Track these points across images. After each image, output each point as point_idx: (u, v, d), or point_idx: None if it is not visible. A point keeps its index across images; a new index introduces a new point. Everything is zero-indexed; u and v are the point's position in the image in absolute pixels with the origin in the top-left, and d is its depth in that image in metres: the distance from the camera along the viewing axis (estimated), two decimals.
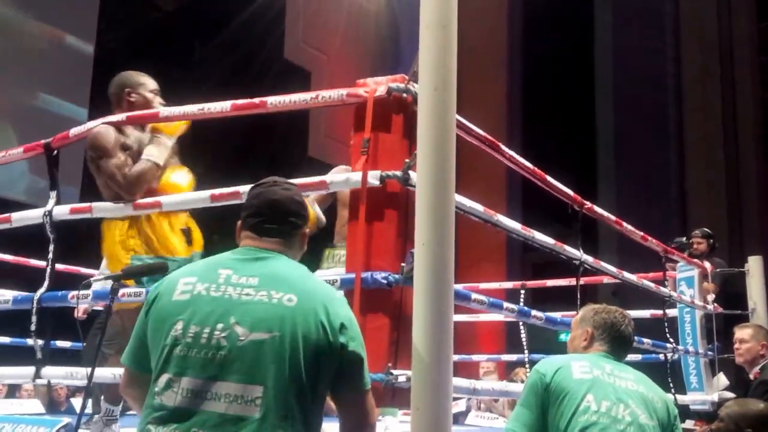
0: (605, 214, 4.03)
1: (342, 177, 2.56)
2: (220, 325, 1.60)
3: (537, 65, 12.35)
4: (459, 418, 5.98)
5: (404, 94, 2.45)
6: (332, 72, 11.11)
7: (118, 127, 3.14)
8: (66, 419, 2.62)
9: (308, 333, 1.62)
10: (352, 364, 1.69)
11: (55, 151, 3.21)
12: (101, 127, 3.10)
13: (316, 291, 1.71)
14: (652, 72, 12.09)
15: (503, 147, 3.02)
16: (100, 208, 3.08)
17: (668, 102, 12.12)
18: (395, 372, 2.28)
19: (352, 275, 2.43)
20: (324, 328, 1.64)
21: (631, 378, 2.33)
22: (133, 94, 3.31)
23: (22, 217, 3.27)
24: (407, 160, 2.38)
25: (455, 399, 5.83)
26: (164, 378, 1.60)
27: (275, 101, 2.73)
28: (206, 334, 1.60)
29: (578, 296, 3.75)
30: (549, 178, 3.39)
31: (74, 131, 3.17)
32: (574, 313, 3.80)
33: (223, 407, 1.55)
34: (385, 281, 2.36)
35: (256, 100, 2.78)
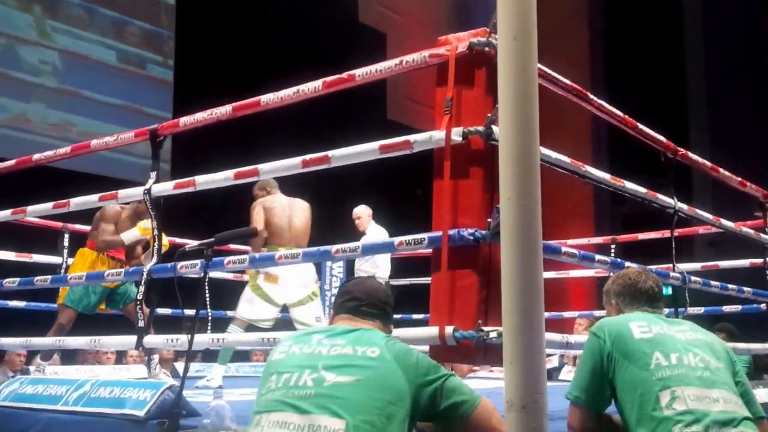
0: (700, 160, 3.86)
1: (425, 135, 2.55)
2: (308, 371, 1.77)
3: (620, 9, 11.86)
4: (552, 373, 5.95)
5: (486, 48, 2.40)
6: (408, 32, 11.00)
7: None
8: (170, 381, 2.73)
9: (389, 376, 1.75)
10: (449, 392, 1.80)
11: (161, 137, 3.41)
12: (112, 206, 4.76)
13: (397, 345, 1.84)
14: (744, 11, 11.42)
15: (591, 95, 2.92)
16: (203, 182, 3.19)
17: (763, 42, 11.44)
18: (486, 329, 2.27)
19: (439, 233, 2.42)
20: (406, 372, 1.76)
21: (687, 328, 2.27)
22: None
23: (126, 195, 3.49)
24: (489, 115, 2.34)
25: (548, 355, 5.80)
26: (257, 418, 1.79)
27: (362, 73, 2.76)
28: (295, 378, 1.77)
29: (673, 248, 3.63)
30: (640, 126, 3.27)
31: (184, 120, 3.33)
32: (669, 266, 3.70)
33: None
34: (472, 238, 2.34)
35: (344, 74, 2.80)
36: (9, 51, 8.40)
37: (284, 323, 4.87)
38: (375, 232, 6.11)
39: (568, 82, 2.73)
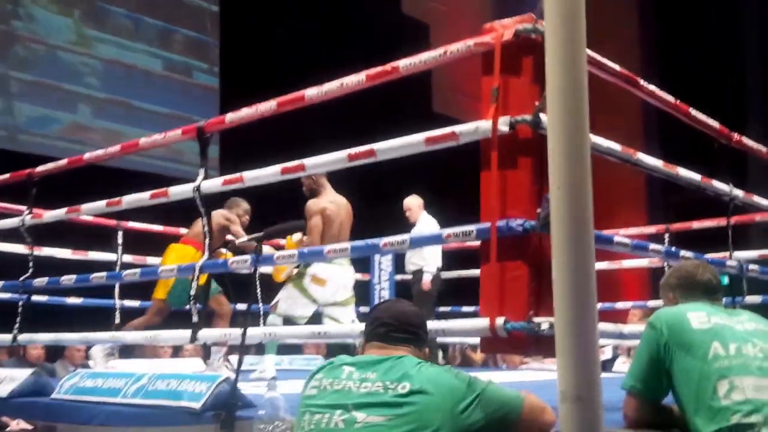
0: (756, 146, 3.75)
1: (471, 126, 2.53)
2: (338, 411, 1.75)
3: None
4: (606, 365, 5.87)
5: (533, 35, 2.36)
6: (452, 22, 10.92)
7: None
8: (226, 374, 2.78)
9: (423, 412, 1.71)
10: (489, 406, 1.76)
11: (208, 134, 3.45)
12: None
13: (429, 372, 1.78)
14: None
15: (641, 81, 2.86)
16: (251, 177, 3.23)
17: None
18: (537, 320, 2.25)
19: (488, 225, 2.41)
20: (441, 404, 1.72)
21: (745, 318, 2.23)
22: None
23: (176, 192, 3.54)
24: (537, 103, 2.31)
25: (601, 347, 5.72)
26: None
27: (406, 64, 2.74)
28: (326, 419, 1.76)
29: (730, 236, 3.54)
30: (693, 111, 3.19)
31: (230, 117, 3.37)
32: (726, 254, 3.61)
33: None
34: (521, 229, 2.32)
35: (388, 66, 2.79)
36: (57, 62, 8.64)
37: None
38: (425, 223, 6.08)
39: (617, 68, 2.68)
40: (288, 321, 4.70)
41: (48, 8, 8.63)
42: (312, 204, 4.75)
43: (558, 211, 1.83)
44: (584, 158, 1.85)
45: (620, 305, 6.75)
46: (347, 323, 4.67)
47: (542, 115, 2.29)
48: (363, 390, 1.77)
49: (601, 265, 6.61)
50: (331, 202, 4.80)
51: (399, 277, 7.57)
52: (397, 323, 1.92)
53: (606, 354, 6.03)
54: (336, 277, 4.65)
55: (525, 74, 2.43)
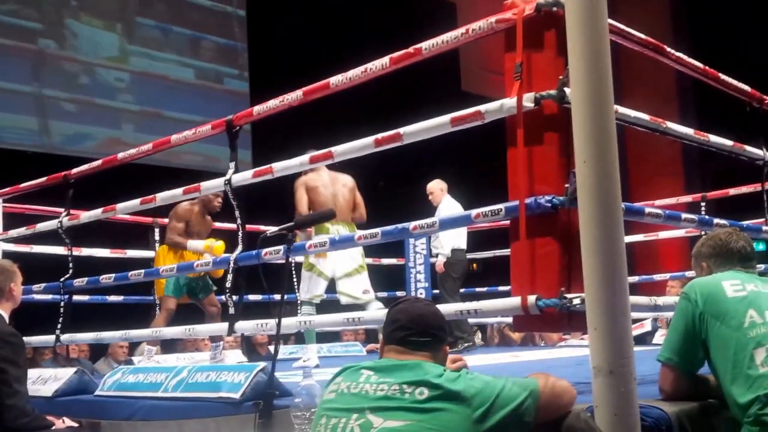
0: None
1: (496, 104, 2.50)
2: (355, 415, 1.73)
3: None
4: (645, 338, 5.79)
5: (554, 8, 2.33)
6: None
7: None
8: (263, 364, 2.81)
9: (441, 419, 1.68)
10: (507, 404, 1.73)
11: (237, 127, 3.48)
12: (184, 204, 5.04)
13: (447, 378, 1.75)
14: None
15: (668, 49, 2.80)
16: (280, 168, 3.24)
17: None
18: (569, 296, 2.23)
19: (516, 202, 2.39)
20: (459, 410, 1.69)
21: None
22: None
23: (208, 186, 3.58)
24: (561, 77, 2.27)
25: (640, 320, 5.65)
26: None
27: (429, 46, 2.72)
28: (342, 423, 1.74)
29: (765, 202, 3.46)
30: (723, 77, 3.12)
31: (257, 109, 3.40)
32: (762, 220, 3.53)
33: None
34: (549, 205, 2.30)
35: (411, 49, 2.78)
36: (95, 78, 8.76)
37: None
38: (449, 206, 6.05)
39: (642, 36, 2.62)
40: (320, 307, 4.74)
41: (91, 24, 8.77)
42: (296, 182, 4.81)
43: (585, 185, 1.81)
44: (609, 130, 1.82)
45: (658, 277, 6.66)
46: (359, 294, 4.69)
47: (567, 89, 2.25)
48: (379, 393, 1.74)
49: (637, 237, 6.54)
50: (317, 179, 4.83)
51: (434, 260, 7.58)
52: (415, 327, 1.87)
53: (645, 327, 5.95)
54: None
55: (548, 48, 2.39)
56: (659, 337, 5.79)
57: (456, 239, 6.06)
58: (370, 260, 6.37)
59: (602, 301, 1.72)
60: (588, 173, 1.78)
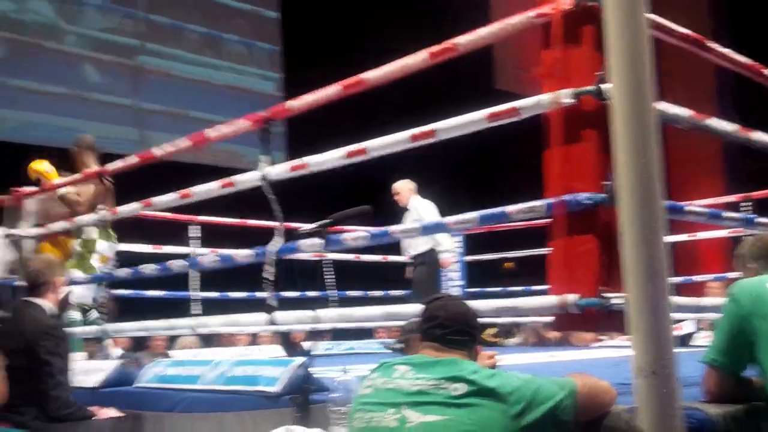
0: None
1: (533, 100, 2.48)
2: (391, 410, 1.74)
3: None
4: (686, 339, 5.71)
5: (592, 2, 2.30)
6: None
7: None
8: (300, 359, 2.83)
9: (477, 414, 1.68)
10: (550, 402, 1.72)
11: (273, 123, 3.48)
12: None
13: (483, 375, 1.75)
14: None
15: (709, 43, 2.75)
16: (315, 163, 3.25)
17: None
18: (609, 295, 2.20)
19: (553, 200, 2.37)
20: (495, 407, 1.69)
21: None
22: None
23: (243, 180, 3.57)
24: (599, 73, 2.25)
25: (681, 321, 5.56)
26: None
27: (465, 41, 2.70)
28: (378, 417, 1.75)
29: None
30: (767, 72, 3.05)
31: (292, 104, 3.40)
32: None
33: None
34: (589, 202, 2.27)
35: (447, 44, 2.75)
36: (137, 83, 8.98)
37: None
38: (423, 206, 5.97)
39: (683, 30, 2.58)
40: None
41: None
42: None
43: (625, 183, 1.79)
44: (650, 127, 1.80)
45: (698, 278, 6.55)
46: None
47: (606, 85, 2.23)
48: (415, 388, 1.75)
49: (678, 238, 6.43)
50: None
51: (469, 258, 7.56)
52: (454, 325, 1.88)
53: (686, 328, 5.86)
54: None
55: (586, 43, 2.36)
56: (700, 339, 5.70)
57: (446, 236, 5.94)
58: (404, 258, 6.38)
59: (644, 300, 1.69)
60: (628, 170, 1.76)
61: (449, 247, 5.97)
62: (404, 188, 6.10)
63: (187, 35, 9.61)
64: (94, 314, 4.86)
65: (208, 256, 4.13)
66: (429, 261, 5.87)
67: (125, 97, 9.00)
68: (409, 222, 5.74)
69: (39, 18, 8.56)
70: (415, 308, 3.04)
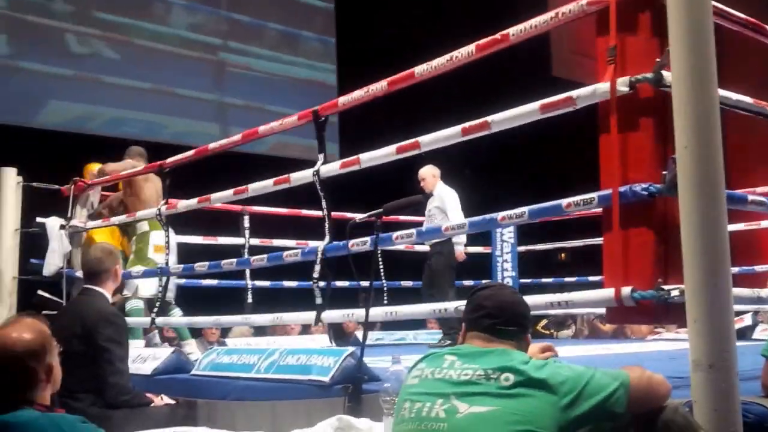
0: None
1: (589, 89, 2.44)
2: (440, 401, 1.71)
3: None
4: (745, 332, 5.56)
5: None
6: None
7: None
8: (351, 348, 2.85)
9: (527, 406, 1.65)
10: (602, 393, 1.68)
11: (323, 118, 3.50)
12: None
13: (533, 366, 1.72)
14: None
15: None
16: (367, 159, 3.26)
17: None
18: (666, 287, 2.16)
19: (609, 191, 2.32)
20: (545, 398, 1.66)
21: None
22: None
23: (298, 177, 3.61)
24: (658, 60, 2.19)
25: (740, 313, 5.41)
26: None
27: (516, 31, 2.67)
28: (427, 408, 1.72)
29: None
30: None
31: (343, 100, 3.41)
32: None
33: None
34: (646, 193, 2.23)
35: (498, 35, 2.73)
36: (199, 73, 9.26)
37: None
38: (446, 193, 5.93)
39: (741, 15, 2.50)
40: None
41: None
42: None
43: (686, 172, 1.74)
44: (713, 114, 1.75)
45: (759, 268, 6.36)
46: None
47: (664, 72, 2.17)
48: (463, 378, 1.73)
49: (737, 227, 6.25)
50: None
51: (522, 248, 7.48)
52: (503, 315, 1.84)
53: (745, 321, 5.70)
54: None
55: (642, 30, 2.32)
56: (760, 332, 5.55)
57: None
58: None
59: (703, 292, 1.65)
60: (689, 159, 1.72)
61: (462, 241, 5.94)
62: (429, 174, 6.10)
63: (266, 32, 9.85)
64: (177, 311, 4.94)
65: (257, 258, 4.16)
66: (446, 251, 5.84)
67: (208, 92, 9.35)
68: (432, 207, 5.75)
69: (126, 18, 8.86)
70: (462, 307, 3.03)
